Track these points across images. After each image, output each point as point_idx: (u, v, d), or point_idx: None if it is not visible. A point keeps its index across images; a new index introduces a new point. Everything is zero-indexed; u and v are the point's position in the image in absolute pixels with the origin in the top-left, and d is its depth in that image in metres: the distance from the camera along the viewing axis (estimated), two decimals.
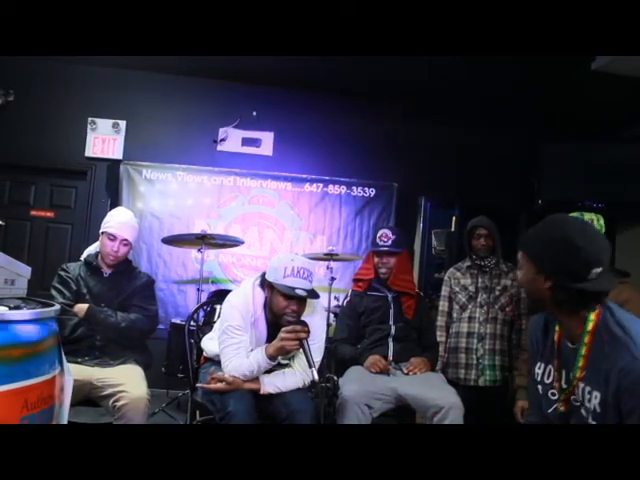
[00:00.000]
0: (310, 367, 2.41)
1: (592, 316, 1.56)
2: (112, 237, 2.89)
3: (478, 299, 3.47)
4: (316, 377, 2.42)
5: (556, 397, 1.68)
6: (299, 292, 2.43)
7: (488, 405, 3.39)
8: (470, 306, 3.48)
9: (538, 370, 1.76)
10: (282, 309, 2.48)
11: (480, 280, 3.50)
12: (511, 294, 3.46)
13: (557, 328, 1.69)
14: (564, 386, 1.65)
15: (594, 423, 1.53)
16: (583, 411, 1.57)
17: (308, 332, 2.44)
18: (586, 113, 5.17)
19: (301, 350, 2.46)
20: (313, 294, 2.50)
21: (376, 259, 3.23)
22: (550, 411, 1.69)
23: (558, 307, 1.61)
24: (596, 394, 1.52)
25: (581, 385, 1.57)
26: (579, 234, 1.53)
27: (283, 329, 2.44)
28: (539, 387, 1.75)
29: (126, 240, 2.92)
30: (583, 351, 1.57)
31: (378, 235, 3.24)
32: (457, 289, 3.55)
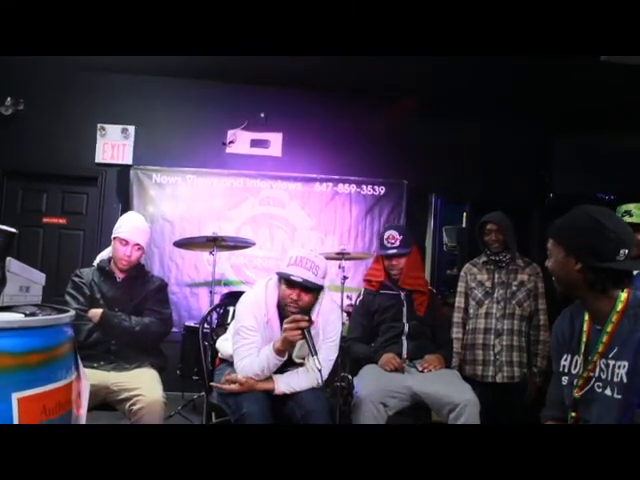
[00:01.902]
0: (312, 355, 2.39)
1: (623, 297, 1.63)
2: (124, 242, 2.90)
3: (495, 295, 3.44)
4: (318, 365, 2.38)
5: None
6: (294, 278, 2.44)
7: (506, 402, 3.36)
8: (487, 302, 3.45)
9: (564, 362, 1.79)
10: (285, 298, 2.51)
11: (497, 276, 3.47)
12: (528, 289, 3.43)
13: (586, 317, 1.74)
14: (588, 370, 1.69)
15: (619, 397, 1.57)
16: (608, 390, 1.60)
17: (309, 321, 2.44)
18: (595, 104, 5.13)
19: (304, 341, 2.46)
20: (310, 283, 2.47)
21: (386, 262, 3.21)
22: (573, 399, 1.72)
23: (589, 288, 1.66)
24: (624, 364, 1.58)
25: (611, 362, 1.62)
26: (607, 217, 1.63)
27: (285, 321, 2.45)
28: (564, 379, 1.78)
29: (138, 244, 2.93)
30: (609, 328, 1.63)
31: (385, 237, 3.21)
32: (473, 285, 3.52)
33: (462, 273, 3.63)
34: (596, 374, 1.66)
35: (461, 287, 3.59)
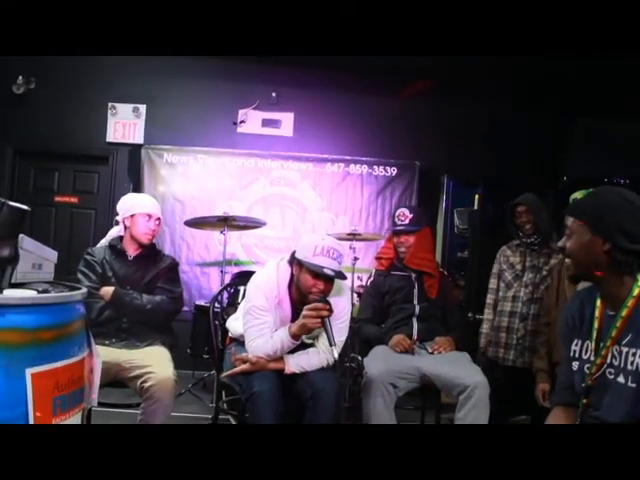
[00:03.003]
0: (331, 345, 2.42)
1: None
2: (148, 216, 2.93)
3: (524, 278, 3.37)
4: (336, 356, 2.43)
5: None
6: (327, 271, 2.43)
7: (526, 387, 3.31)
8: (515, 285, 3.39)
9: (575, 347, 1.76)
10: (309, 288, 2.48)
11: (528, 259, 3.38)
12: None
13: (598, 303, 1.69)
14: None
15: (633, 386, 1.54)
16: (622, 378, 1.57)
17: (330, 310, 2.44)
18: (612, 88, 5.04)
19: (323, 328, 2.47)
20: (341, 275, 2.51)
21: (395, 239, 3.20)
22: (584, 385, 1.69)
23: (613, 270, 1.61)
24: None
25: (624, 349, 1.58)
26: (638, 198, 1.59)
27: (305, 307, 2.45)
28: (575, 364, 1.75)
29: (159, 219, 2.99)
30: (623, 313, 1.58)
31: (396, 214, 3.21)
32: (505, 267, 3.46)
33: (497, 255, 3.57)
34: (608, 360, 1.63)
35: (495, 269, 3.54)
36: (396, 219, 3.20)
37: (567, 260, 1.73)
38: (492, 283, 3.54)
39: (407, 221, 3.15)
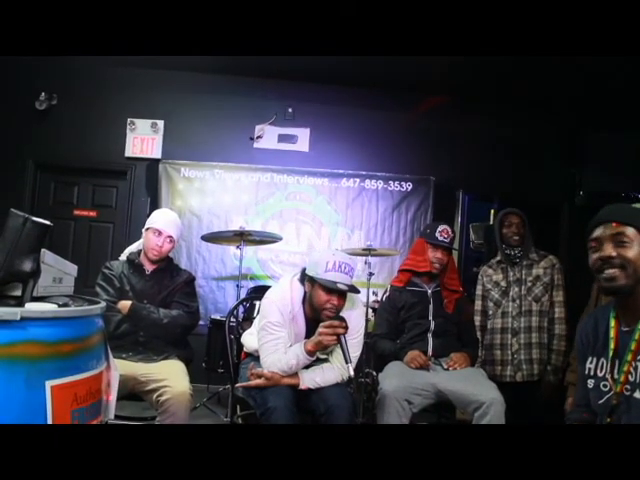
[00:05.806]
0: (347, 362, 2.42)
1: None
2: (158, 232, 2.95)
3: (510, 293, 3.41)
4: (352, 373, 2.43)
5: (608, 388, 1.66)
6: (340, 286, 2.43)
7: (527, 401, 3.31)
8: (504, 301, 3.43)
9: (590, 365, 1.75)
10: (323, 303, 2.49)
11: (511, 273, 3.44)
12: (545, 283, 3.38)
13: (612, 323, 1.68)
14: (616, 376, 1.64)
15: None
16: (638, 393, 1.56)
17: (346, 327, 2.45)
18: (628, 101, 5.02)
19: (339, 345, 2.48)
20: (354, 289, 2.52)
21: (431, 253, 3.16)
22: (601, 402, 1.67)
23: None
24: None
25: None
26: None
27: (321, 324, 2.45)
28: (590, 381, 1.73)
29: (171, 237, 2.97)
30: None
31: (439, 229, 3.12)
32: (489, 286, 3.51)
33: (479, 276, 3.60)
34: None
35: (479, 290, 3.57)
36: (438, 235, 3.11)
37: (611, 271, 1.62)
38: (477, 305, 3.55)
39: (449, 240, 3.13)
